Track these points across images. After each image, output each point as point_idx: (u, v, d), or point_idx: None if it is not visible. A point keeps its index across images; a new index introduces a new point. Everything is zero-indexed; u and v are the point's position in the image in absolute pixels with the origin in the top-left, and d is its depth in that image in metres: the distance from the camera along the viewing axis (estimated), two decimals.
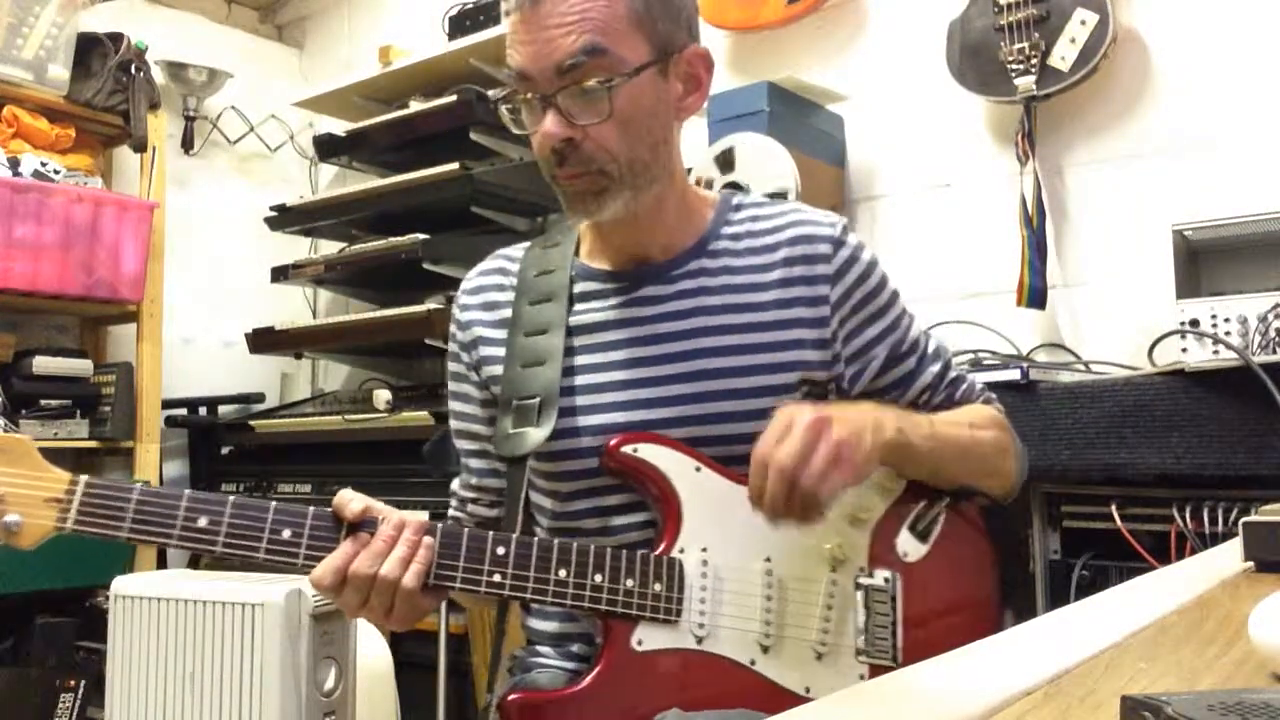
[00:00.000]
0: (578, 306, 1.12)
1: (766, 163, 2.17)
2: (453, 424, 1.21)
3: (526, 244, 1.22)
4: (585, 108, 1.01)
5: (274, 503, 0.96)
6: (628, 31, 1.01)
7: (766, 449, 0.92)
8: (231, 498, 0.95)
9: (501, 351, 1.13)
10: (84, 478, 0.93)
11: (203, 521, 0.93)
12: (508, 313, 1.15)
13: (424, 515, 1.01)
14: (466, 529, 0.99)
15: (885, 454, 0.99)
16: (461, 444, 1.21)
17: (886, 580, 1.04)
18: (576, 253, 1.16)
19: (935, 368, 1.16)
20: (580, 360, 1.10)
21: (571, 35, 0.99)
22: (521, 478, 1.09)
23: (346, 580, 0.94)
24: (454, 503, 1.24)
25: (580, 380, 1.09)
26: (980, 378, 1.70)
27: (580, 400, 1.08)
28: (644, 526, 1.07)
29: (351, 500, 0.96)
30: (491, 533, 0.99)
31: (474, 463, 1.20)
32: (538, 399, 1.08)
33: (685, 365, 1.07)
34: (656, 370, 1.07)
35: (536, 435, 1.07)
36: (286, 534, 0.94)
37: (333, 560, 0.94)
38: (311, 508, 0.96)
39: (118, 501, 0.93)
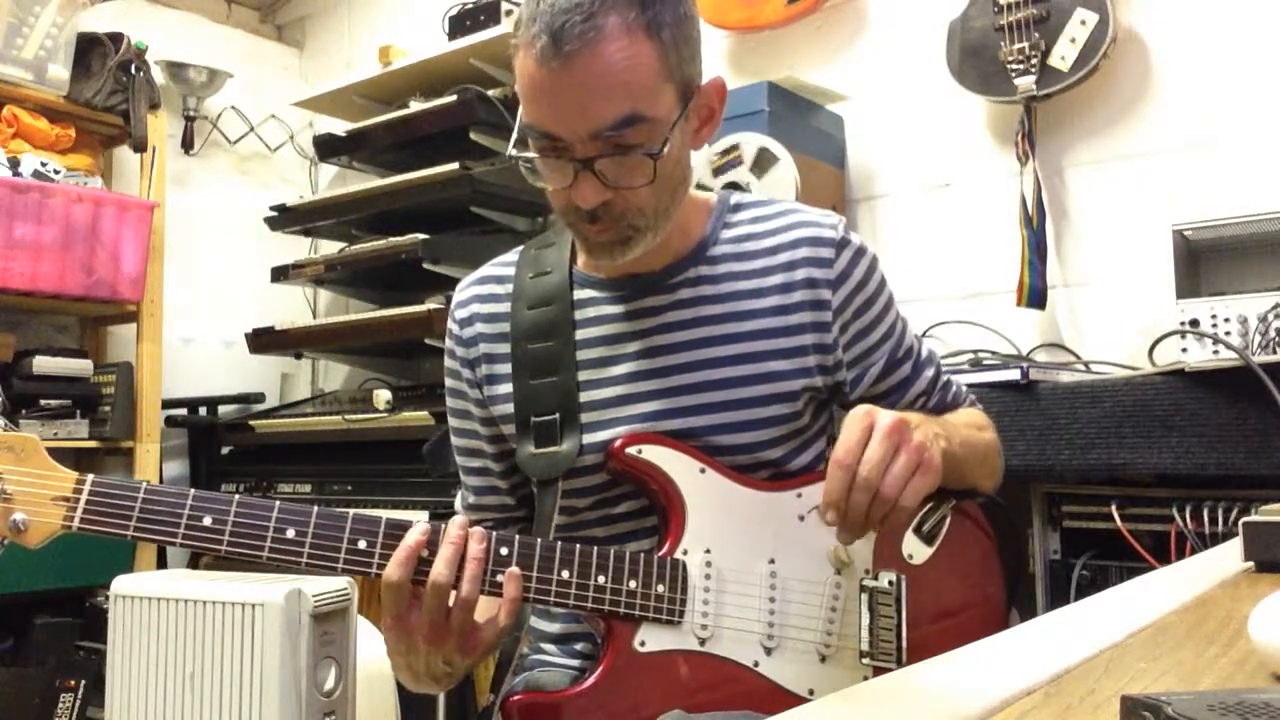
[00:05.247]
0: (578, 315, 1.10)
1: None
2: (454, 440, 1.19)
3: (519, 249, 1.19)
4: (625, 173, 0.96)
5: (278, 502, 0.95)
6: (660, 87, 0.95)
7: (848, 455, 0.85)
8: (236, 497, 0.94)
9: (508, 368, 1.11)
10: (90, 476, 0.93)
11: (208, 520, 0.93)
12: (507, 325, 1.13)
13: (424, 516, 1.00)
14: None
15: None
16: (462, 460, 1.19)
17: (891, 583, 1.03)
18: (573, 256, 1.13)
19: (929, 372, 1.15)
20: (585, 375, 1.08)
21: (610, 102, 0.92)
22: (554, 498, 1.06)
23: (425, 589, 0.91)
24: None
25: (585, 396, 1.08)
26: (980, 378, 1.71)
27: (587, 417, 1.07)
28: (652, 533, 1.06)
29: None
30: (495, 533, 0.99)
31: (473, 480, 1.19)
32: (556, 416, 1.07)
33: (687, 378, 1.05)
34: (659, 383, 1.06)
35: (566, 453, 1.06)
36: (291, 533, 0.94)
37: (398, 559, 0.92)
38: (315, 507, 0.95)
39: (123, 500, 0.92)
